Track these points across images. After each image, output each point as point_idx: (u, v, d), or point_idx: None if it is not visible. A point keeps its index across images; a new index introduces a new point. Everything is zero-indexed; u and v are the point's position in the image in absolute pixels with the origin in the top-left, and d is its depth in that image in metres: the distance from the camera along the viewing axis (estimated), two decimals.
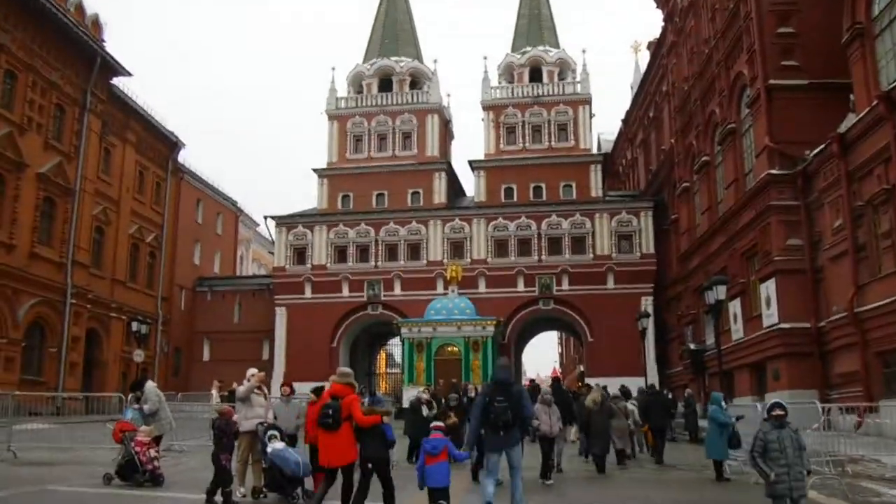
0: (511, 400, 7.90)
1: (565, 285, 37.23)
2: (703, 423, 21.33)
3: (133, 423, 11.30)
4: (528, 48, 42.60)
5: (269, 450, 9.38)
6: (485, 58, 42.65)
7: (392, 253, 38.87)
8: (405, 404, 24.47)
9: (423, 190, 40.06)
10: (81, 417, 23.48)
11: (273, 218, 40.75)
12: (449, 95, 46.08)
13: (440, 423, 8.34)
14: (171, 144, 40.79)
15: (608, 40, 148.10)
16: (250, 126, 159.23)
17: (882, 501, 9.68)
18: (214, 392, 23.14)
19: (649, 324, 30.99)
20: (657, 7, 36.14)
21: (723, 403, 12.15)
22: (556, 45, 43.52)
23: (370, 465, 7.88)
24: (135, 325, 29.82)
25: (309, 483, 9.60)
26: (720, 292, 20.34)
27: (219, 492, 9.08)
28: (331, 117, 42.08)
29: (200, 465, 12.26)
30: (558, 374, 35.00)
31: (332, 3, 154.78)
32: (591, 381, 25.94)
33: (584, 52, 41.07)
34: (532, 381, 33.14)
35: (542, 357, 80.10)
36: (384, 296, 38.43)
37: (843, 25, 19.99)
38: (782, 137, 22.55)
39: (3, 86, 27.06)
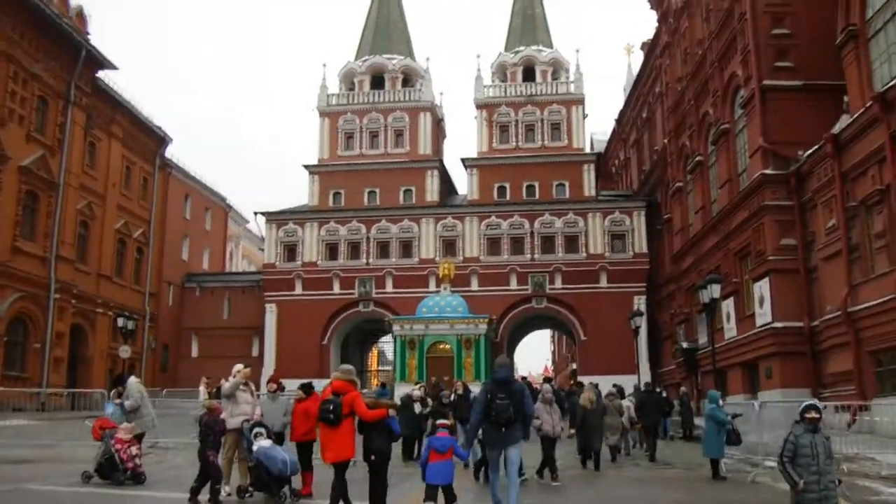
0: (513, 398, 7.85)
1: (558, 284, 37.11)
2: (697, 420, 21.33)
3: (113, 419, 11.00)
4: (522, 47, 42.48)
5: (254, 448, 9.12)
6: (478, 56, 43.24)
7: (384, 250, 38.64)
8: (397, 401, 24.27)
9: (416, 188, 39.86)
10: (66, 414, 23.12)
11: (263, 214, 40.47)
12: (441, 94, 46.13)
13: (447, 422, 8.28)
14: (159, 139, 40.37)
15: (602, 41, 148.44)
16: (242, 122, 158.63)
17: (881, 500, 9.53)
18: (202, 388, 22.84)
19: (642, 322, 30.88)
20: (651, 8, 36.04)
21: (720, 402, 11.97)
22: (550, 45, 43.42)
23: (373, 458, 7.82)
24: (121, 321, 29.45)
25: (296, 482, 9.35)
26: (714, 291, 20.28)
27: (203, 489, 8.83)
28: (322, 114, 41.83)
29: (186, 462, 12.02)
30: (550, 374, 34.82)
31: None
32: (583, 379, 25.78)
33: (577, 51, 41.15)
34: (524, 378, 33.01)
35: (534, 355, 79.78)
36: (376, 293, 38.20)
37: (837, 27, 19.95)
38: (776, 138, 22.58)
39: None
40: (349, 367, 8.71)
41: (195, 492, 8.84)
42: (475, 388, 19.11)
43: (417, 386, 19.36)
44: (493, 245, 38.00)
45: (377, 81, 42.59)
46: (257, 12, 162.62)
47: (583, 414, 13.44)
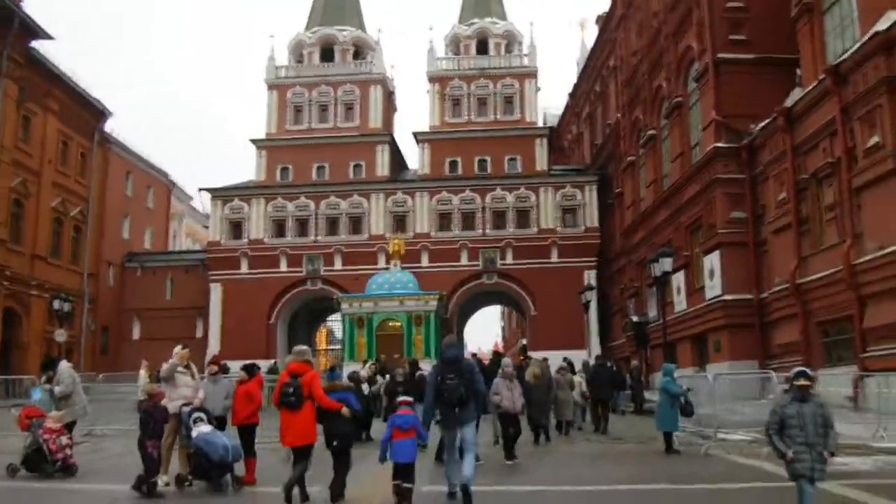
0: (462, 376, 7.66)
1: (509, 259, 36.95)
2: (647, 394, 21.41)
3: (41, 406, 10.21)
4: (476, 20, 41.87)
5: (193, 434, 8.54)
6: (430, 28, 42.34)
7: (333, 227, 37.88)
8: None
9: (366, 162, 39.11)
10: (5, 402, 21.90)
11: (208, 190, 39.28)
12: (393, 67, 45.04)
13: (409, 399, 8.06)
14: (98, 113, 38.56)
15: (555, 15, 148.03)
16: (186, 96, 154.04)
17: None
18: (143, 372, 21.80)
19: (593, 297, 30.92)
20: None
21: (674, 375, 11.81)
22: (504, 17, 42.92)
23: (335, 443, 7.72)
24: (56, 303, 28.23)
25: (239, 469, 8.81)
26: (666, 264, 20.35)
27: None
28: (270, 87, 40.66)
29: (124, 450, 11.34)
30: (499, 349, 34.72)
31: None
32: (533, 354, 25.63)
33: (531, 24, 40.63)
34: (474, 354, 32.91)
35: (484, 331, 79.99)
36: (324, 271, 37.47)
37: (792, 0, 19.91)
38: (729, 111, 22.71)
39: None
40: (304, 347, 8.53)
41: (140, 482, 8.24)
42: (426, 366, 18.78)
43: (367, 365, 18.88)
44: (444, 220, 37.61)
45: (327, 54, 41.52)
46: None
47: (528, 388, 13.14)
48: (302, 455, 7.76)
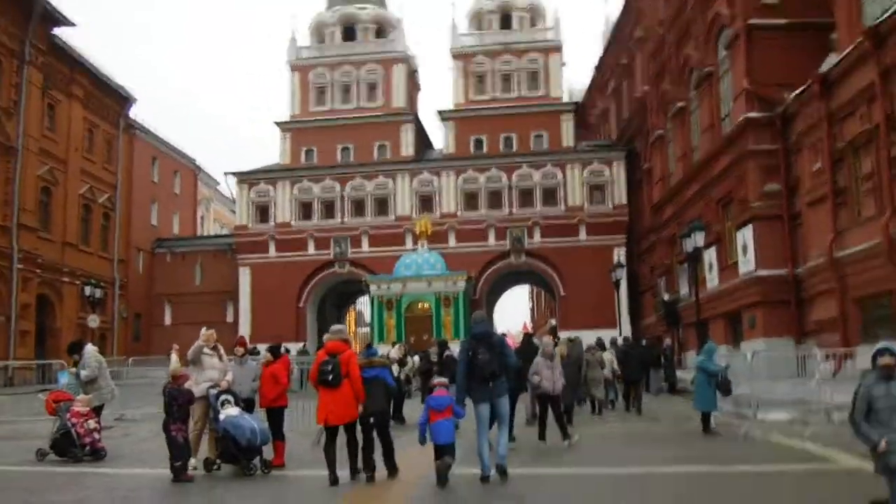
0: (493, 351, 7.84)
1: (537, 238, 36.55)
2: (680, 374, 21.07)
3: (69, 391, 10.20)
4: None
5: (221, 417, 8.44)
6: (453, 4, 41.44)
7: (359, 208, 37.75)
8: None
9: (390, 143, 38.85)
10: (33, 387, 22.27)
11: (234, 175, 39.34)
12: (416, 45, 44.62)
13: (444, 380, 8.25)
14: (122, 99, 38.74)
15: None
16: (210, 80, 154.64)
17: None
18: (174, 356, 21.91)
19: (623, 275, 30.49)
20: None
21: (715, 356, 11.42)
22: None
23: (371, 420, 7.81)
24: (88, 290, 28.48)
25: (268, 452, 8.71)
26: (698, 239, 19.85)
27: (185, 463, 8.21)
28: (292, 68, 40.45)
29: (153, 435, 11.33)
30: (528, 331, 34.46)
31: None
32: (563, 334, 25.37)
33: None
34: (503, 335, 32.72)
35: (513, 312, 79.64)
36: (351, 253, 37.39)
37: None
38: (761, 80, 21.95)
39: None
40: (341, 326, 8.71)
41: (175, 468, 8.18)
42: (454, 347, 18.58)
43: (396, 346, 18.72)
44: (471, 200, 37.26)
45: (349, 33, 41.17)
46: None
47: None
48: (347, 433, 7.82)
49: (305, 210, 38.02)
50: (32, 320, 29.49)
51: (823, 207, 19.25)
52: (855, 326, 18.05)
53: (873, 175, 17.34)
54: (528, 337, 19.40)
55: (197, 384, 8.85)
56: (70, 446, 9.49)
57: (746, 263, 22.00)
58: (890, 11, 16.23)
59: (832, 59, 19.10)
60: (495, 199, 37.06)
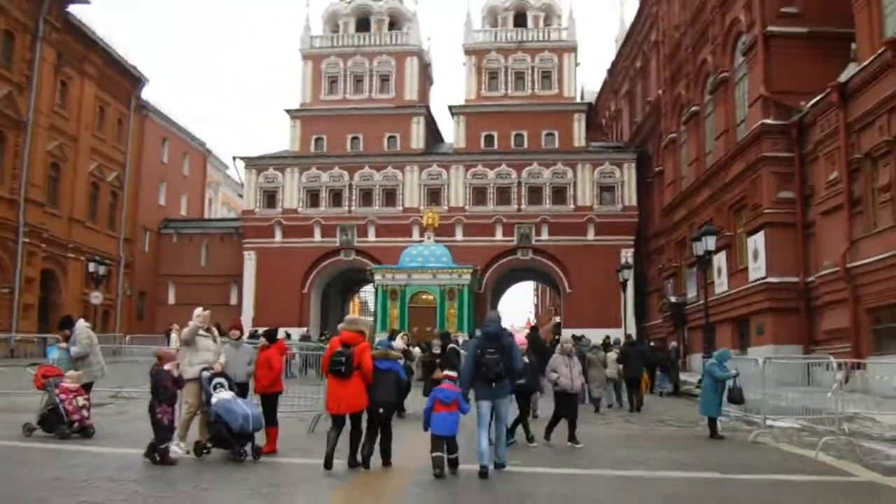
0: (502, 352, 7.87)
1: (544, 235, 36.32)
2: (684, 376, 20.87)
3: (59, 366, 10.01)
4: None
5: (213, 401, 8.24)
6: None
7: (366, 198, 37.58)
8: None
9: (401, 135, 38.62)
10: (28, 361, 22.13)
11: (242, 159, 39.20)
12: (430, 38, 44.37)
13: (453, 374, 8.22)
14: (134, 80, 38.61)
15: None
16: (223, 64, 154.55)
17: (895, 465, 8.86)
18: (174, 336, 21.86)
19: (630, 275, 30.27)
20: None
21: (726, 363, 11.14)
22: None
23: (381, 410, 7.84)
24: (92, 266, 28.36)
25: (260, 439, 8.52)
26: (709, 242, 19.61)
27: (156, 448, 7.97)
28: (305, 57, 40.22)
29: (146, 414, 11.14)
30: (534, 325, 34.22)
31: None
32: (567, 332, 25.21)
33: None
34: (511, 335, 32.53)
35: (517, 307, 79.42)
36: (357, 241, 37.23)
37: None
38: (778, 87, 21.83)
39: None
40: (356, 317, 8.86)
41: (151, 449, 7.99)
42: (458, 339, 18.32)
43: (400, 336, 18.47)
44: (479, 195, 37.04)
45: (363, 24, 40.89)
46: None
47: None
48: (352, 423, 7.85)
49: (313, 197, 37.87)
50: (36, 294, 29.42)
51: (838, 217, 18.99)
52: (867, 337, 17.82)
53: (891, 186, 17.07)
54: (534, 331, 19.25)
55: (191, 365, 8.65)
56: (58, 423, 9.30)
57: (757, 269, 21.76)
58: None
59: (852, 69, 18.85)
60: (504, 195, 36.83)
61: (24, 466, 7.70)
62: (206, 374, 8.49)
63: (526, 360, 10.00)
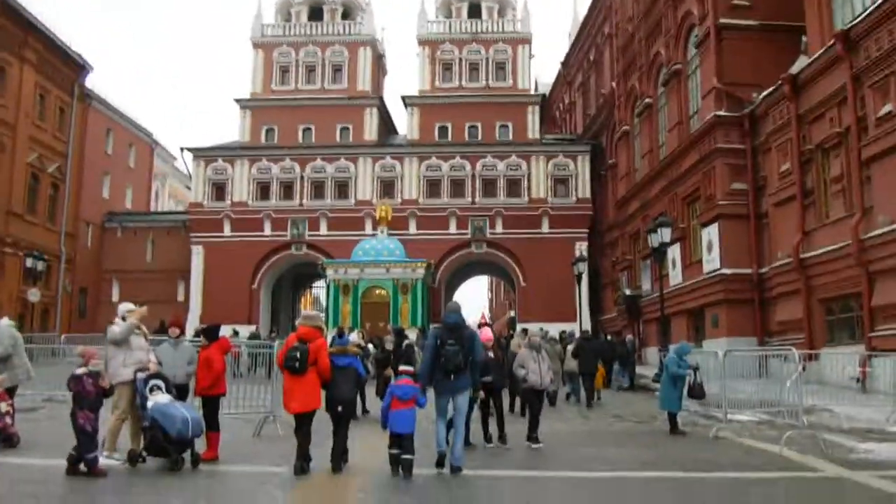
0: (462, 344, 7.61)
1: (499, 228, 36.06)
2: (639, 370, 20.78)
3: None
4: None
5: (149, 404, 7.64)
6: None
7: (318, 191, 36.78)
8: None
9: (353, 126, 37.91)
10: None
11: (190, 150, 37.95)
12: (384, 29, 43.70)
13: (409, 368, 8.04)
14: (78, 67, 36.99)
15: None
16: (172, 54, 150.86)
17: (860, 458, 8.73)
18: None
19: (585, 268, 30.23)
20: None
21: (686, 358, 10.93)
22: None
23: (340, 409, 7.60)
24: (30, 262, 27.03)
25: (200, 445, 7.94)
26: (664, 234, 19.57)
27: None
28: (256, 45, 39.19)
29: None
30: (486, 321, 33.91)
31: None
32: (522, 326, 24.98)
33: None
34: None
35: (472, 303, 79.05)
36: (309, 235, 36.42)
37: None
38: (730, 79, 21.97)
39: None
40: (314, 312, 8.43)
41: (73, 460, 7.31)
42: (411, 335, 17.90)
43: (354, 333, 17.97)
44: (433, 187, 36.59)
45: (315, 13, 40.04)
46: None
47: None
48: (304, 422, 7.51)
49: (263, 190, 36.92)
50: None
51: (791, 208, 19.15)
52: (820, 328, 17.97)
53: (842, 177, 17.23)
54: (487, 327, 18.93)
55: (124, 366, 8.01)
56: None
57: (711, 261, 21.83)
58: (863, 15, 16.05)
59: (803, 61, 19.02)
60: (458, 188, 36.46)
61: None
62: (140, 375, 7.87)
63: (491, 355, 9.62)
